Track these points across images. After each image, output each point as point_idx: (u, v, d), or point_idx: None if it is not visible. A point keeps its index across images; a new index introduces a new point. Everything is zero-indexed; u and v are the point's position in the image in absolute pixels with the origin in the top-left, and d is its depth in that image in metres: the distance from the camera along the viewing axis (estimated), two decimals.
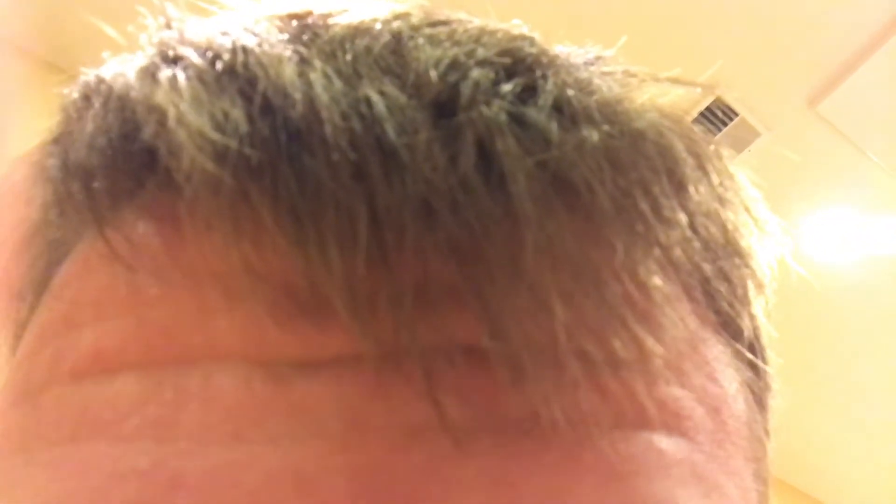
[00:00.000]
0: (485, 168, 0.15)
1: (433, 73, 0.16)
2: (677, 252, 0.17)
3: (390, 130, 0.15)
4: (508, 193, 0.15)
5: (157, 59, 0.18)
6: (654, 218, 0.16)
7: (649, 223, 0.16)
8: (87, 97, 0.19)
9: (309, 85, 0.16)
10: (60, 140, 0.20)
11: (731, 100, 1.51)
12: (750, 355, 0.21)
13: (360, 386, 0.15)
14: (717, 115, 1.53)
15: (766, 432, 0.21)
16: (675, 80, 0.21)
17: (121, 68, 0.19)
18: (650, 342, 0.16)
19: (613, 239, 0.16)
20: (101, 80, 0.19)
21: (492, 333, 0.15)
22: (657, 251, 0.16)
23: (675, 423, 0.17)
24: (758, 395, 0.21)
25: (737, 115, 1.55)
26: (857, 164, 1.54)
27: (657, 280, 0.16)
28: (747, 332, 0.21)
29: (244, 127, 0.15)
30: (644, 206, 0.16)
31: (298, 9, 0.19)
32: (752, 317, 0.21)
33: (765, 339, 0.22)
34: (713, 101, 1.51)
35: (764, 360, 0.21)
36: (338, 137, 0.15)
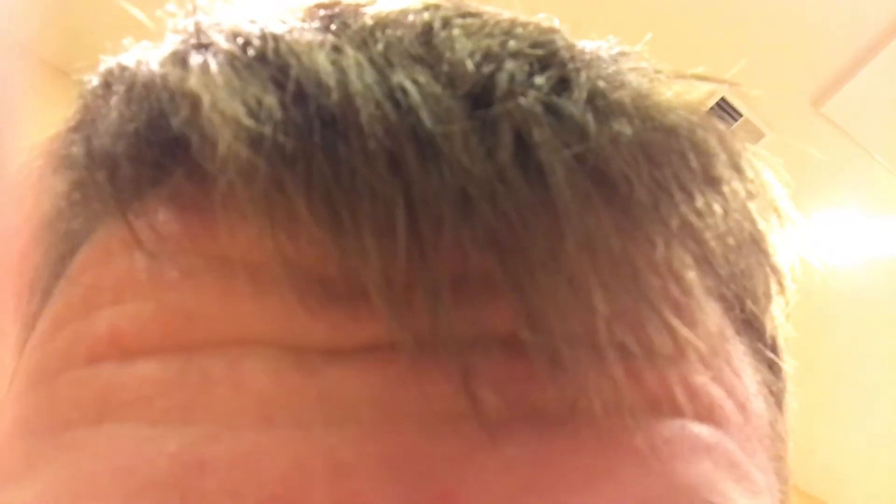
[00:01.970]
0: (522, 159, 0.15)
1: (469, 63, 0.16)
2: (712, 247, 0.17)
3: (426, 119, 0.15)
4: (547, 185, 0.15)
5: (186, 46, 0.18)
6: (690, 213, 0.16)
7: (686, 218, 0.16)
8: (108, 84, 0.19)
9: (342, 72, 0.16)
10: (81, 127, 0.19)
11: (736, 100, 1.51)
12: (770, 354, 0.21)
13: (393, 374, 0.15)
14: (721, 116, 1.53)
15: (786, 432, 0.21)
16: (700, 77, 0.21)
17: (143, 56, 0.19)
18: (686, 335, 0.16)
19: (651, 233, 0.16)
20: (123, 68, 0.19)
21: (531, 326, 0.15)
22: (693, 246, 0.16)
23: (707, 413, 0.17)
24: (776, 395, 0.21)
25: (741, 115, 1.55)
26: (862, 164, 1.54)
27: (693, 274, 0.16)
28: (768, 332, 0.21)
29: (278, 114, 0.15)
30: (680, 200, 0.16)
31: None
32: (772, 316, 0.21)
33: (782, 340, 0.22)
34: (717, 101, 1.51)
35: (781, 361, 0.21)
36: (373, 126, 0.15)
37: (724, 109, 1.53)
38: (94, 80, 0.20)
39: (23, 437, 0.17)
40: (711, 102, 1.49)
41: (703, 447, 0.16)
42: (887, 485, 2.18)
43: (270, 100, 0.15)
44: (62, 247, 0.20)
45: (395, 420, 0.15)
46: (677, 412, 0.16)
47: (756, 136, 1.55)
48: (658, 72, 0.20)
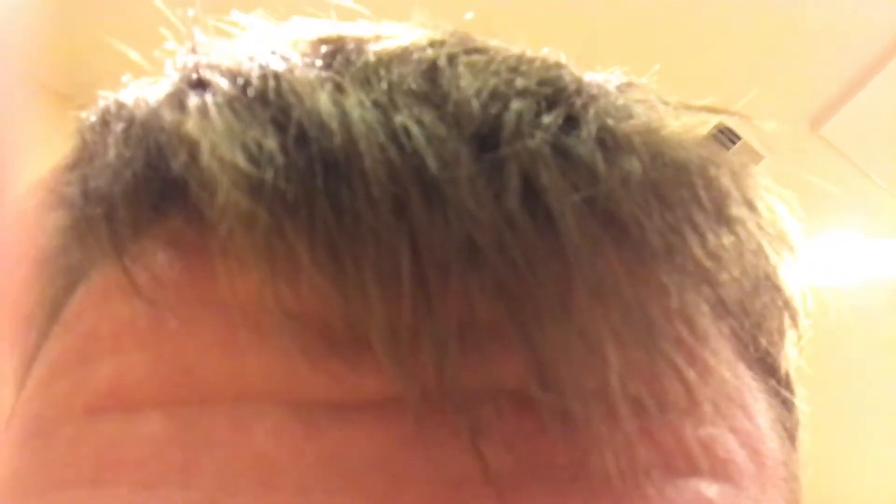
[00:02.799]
0: (530, 204, 0.15)
1: (474, 103, 0.16)
2: (726, 289, 0.16)
3: (431, 163, 0.15)
4: (556, 231, 0.14)
5: (184, 85, 0.17)
6: (704, 256, 0.16)
7: (700, 262, 0.16)
8: (106, 122, 0.19)
9: (345, 114, 0.15)
10: (78, 166, 0.19)
11: (734, 123, 1.51)
12: (784, 391, 0.20)
13: (397, 434, 0.14)
14: (720, 139, 1.53)
15: (798, 469, 0.21)
16: (707, 109, 0.21)
17: (142, 93, 0.19)
18: (701, 387, 0.15)
19: (664, 279, 0.15)
20: (121, 106, 0.19)
21: (541, 381, 0.14)
22: (707, 290, 0.16)
23: (721, 469, 0.16)
24: (790, 431, 0.20)
25: (739, 138, 1.55)
26: (861, 186, 1.54)
27: (707, 321, 0.16)
28: (782, 368, 0.20)
29: (279, 159, 0.15)
30: (694, 243, 0.16)
31: (327, 34, 0.19)
32: (786, 352, 0.20)
33: (794, 374, 0.21)
34: (716, 125, 1.51)
35: (794, 396, 0.21)
36: (377, 170, 0.14)
37: (723, 133, 1.53)
38: (92, 117, 0.20)
39: (17, 494, 0.17)
40: (709, 127, 1.49)
41: None
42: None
43: (271, 143, 0.15)
44: (58, 285, 0.19)
45: (400, 486, 0.14)
46: (692, 470, 0.15)
47: (755, 158, 1.56)
48: (665, 103, 0.20)
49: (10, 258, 0.21)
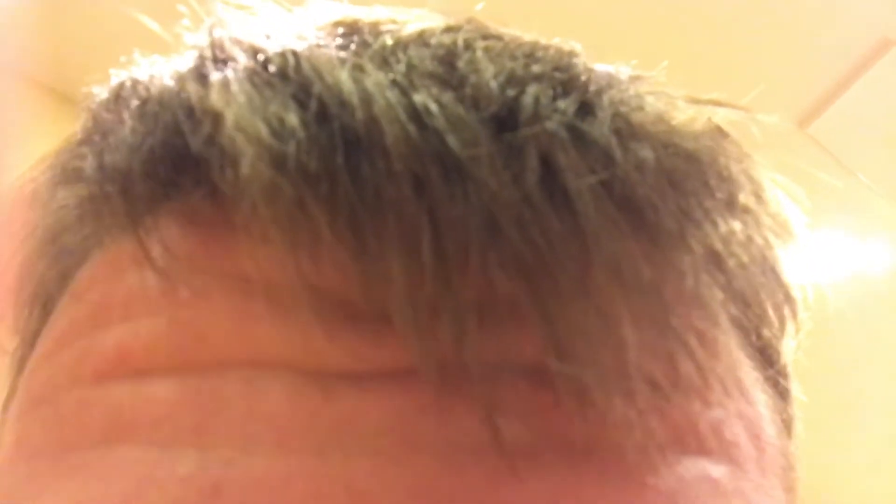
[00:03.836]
0: (548, 184, 0.15)
1: (493, 86, 0.16)
2: (736, 277, 0.17)
3: (452, 142, 0.15)
4: (574, 211, 0.15)
5: (204, 61, 0.17)
6: (716, 242, 0.16)
7: (712, 247, 0.16)
8: (119, 98, 0.19)
9: (365, 91, 0.15)
10: (91, 141, 0.19)
11: (721, 119, 1.52)
12: (782, 382, 0.21)
13: (413, 402, 0.14)
14: None
15: (794, 460, 0.21)
16: (715, 103, 0.21)
17: (156, 70, 0.19)
18: (711, 369, 0.16)
19: (679, 262, 0.15)
20: (136, 82, 0.19)
21: (558, 354, 0.14)
22: (719, 275, 0.16)
23: (725, 450, 0.16)
24: (786, 422, 0.21)
25: (727, 135, 1.56)
26: (848, 185, 1.55)
27: (718, 306, 0.16)
28: (781, 359, 0.21)
29: (301, 133, 0.15)
30: (707, 229, 0.16)
31: (342, 17, 0.19)
32: (785, 344, 0.21)
33: (791, 366, 0.22)
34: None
35: (791, 387, 0.21)
36: (399, 147, 0.15)
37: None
38: (104, 94, 0.20)
39: (25, 458, 0.17)
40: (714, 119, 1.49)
41: (723, 492, 0.16)
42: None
43: (293, 118, 0.15)
44: (66, 261, 0.19)
45: (416, 450, 0.14)
46: (701, 449, 0.16)
47: None
48: (673, 96, 0.20)
49: (7, 236, 0.21)
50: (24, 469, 0.16)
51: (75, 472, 0.15)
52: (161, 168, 0.17)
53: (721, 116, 0.21)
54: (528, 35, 0.19)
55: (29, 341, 0.20)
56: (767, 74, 1.44)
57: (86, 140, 0.19)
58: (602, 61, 0.20)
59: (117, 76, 0.20)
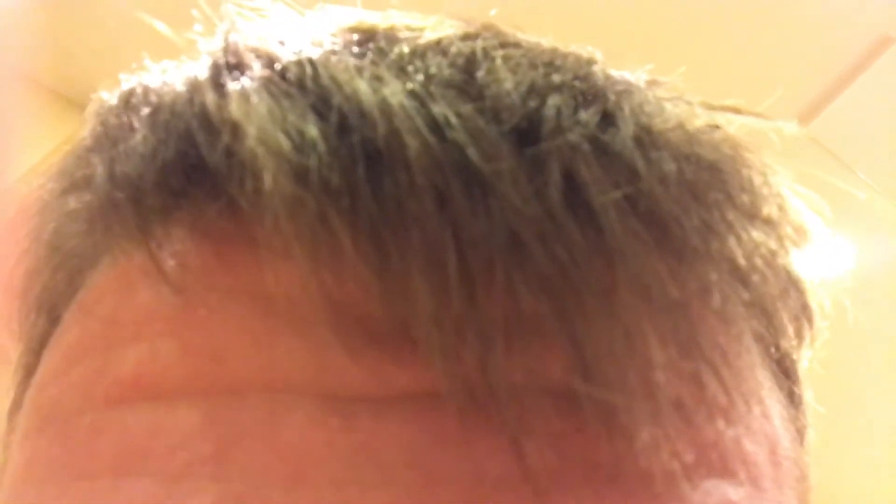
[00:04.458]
0: (571, 199, 0.15)
1: (514, 97, 0.16)
2: (759, 291, 0.16)
3: (473, 155, 0.14)
4: (598, 227, 0.14)
5: (220, 68, 0.17)
6: (740, 256, 0.16)
7: (736, 263, 0.16)
8: (129, 105, 0.19)
9: (385, 102, 0.15)
10: (100, 148, 0.19)
11: (720, 118, 1.51)
12: (798, 391, 0.20)
13: (434, 430, 0.14)
14: None
15: (807, 468, 0.21)
16: (731, 109, 0.21)
17: (168, 77, 0.18)
18: (735, 388, 0.15)
19: (705, 278, 0.15)
20: (147, 89, 0.18)
21: (585, 376, 0.14)
22: (743, 291, 0.16)
23: (745, 471, 0.16)
24: (800, 431, 0.20)
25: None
26: (848, 183, 1.55)
27: (742, 322, 0.16)
28: (797, 370, 0.20)
29: (321, 146, 0.15)
30: (732, 243, 0.16)
31: (357, 23, 0.18)
32: (802, 354, 0.21)
33: (804, 376, 0.22)
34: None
35: (804, 396, 0.21)
36: (421, 161, 0.14)
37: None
38: (113, 100, 0.19)
39: (35, 482, 0.16)
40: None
41: None
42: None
43: (313, 131, 0.15)
44: (73, 266, 0.19)
45: (437, 483, 0.14)
46: (724, 472, 0.16)
47: None
48: (690, 103, 0.20)
49: (7, 241, 0.21)
50: (34, 494, 0.16)
51: (84, 502, 0.15)
52: (173, 179, 0.17)
53: (729, 120, 0.20)
54: (545, 41, 0.19)
55: (34, 349, 0.20)
56: (767, 73, 1.44)
57: (95, 147, 0.19)
58: (605, 63, 0.20)
59: (127, 81, 0.19)
